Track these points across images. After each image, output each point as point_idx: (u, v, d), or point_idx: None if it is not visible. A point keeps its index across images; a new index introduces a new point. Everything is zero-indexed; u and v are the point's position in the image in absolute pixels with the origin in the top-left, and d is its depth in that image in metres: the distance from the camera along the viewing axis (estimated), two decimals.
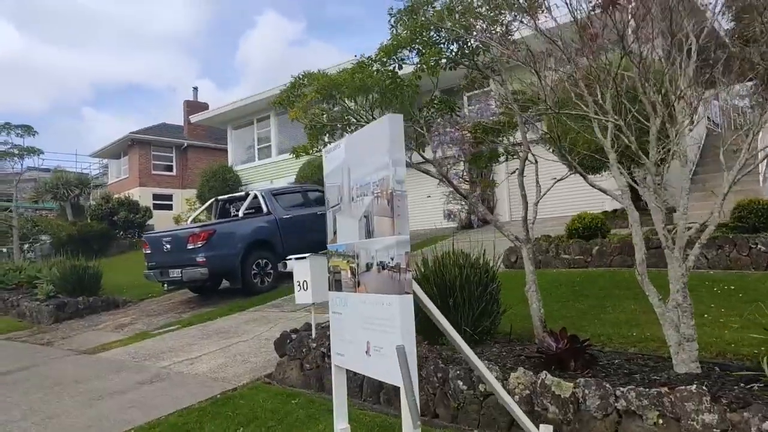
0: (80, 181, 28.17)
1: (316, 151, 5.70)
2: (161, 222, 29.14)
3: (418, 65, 4.63)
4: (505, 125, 5.24)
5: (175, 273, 9.73)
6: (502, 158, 6.04)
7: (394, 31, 5.09)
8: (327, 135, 5.80)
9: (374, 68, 5.11)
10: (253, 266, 9.99)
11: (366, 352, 2.80)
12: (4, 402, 5.35)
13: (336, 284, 3.17)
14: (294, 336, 5.23)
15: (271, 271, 10.29)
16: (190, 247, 9.46)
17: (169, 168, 32.68)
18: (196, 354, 6.37)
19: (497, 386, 3.04)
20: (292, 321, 7.41)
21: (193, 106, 34.03)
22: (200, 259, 9.37)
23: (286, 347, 5.18)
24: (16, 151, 17.27)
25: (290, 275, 11.15)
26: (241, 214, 10.36)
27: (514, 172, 6.25)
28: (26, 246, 19.99)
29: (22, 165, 17.71)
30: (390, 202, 2.61)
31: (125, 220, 26.28)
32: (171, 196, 32.26)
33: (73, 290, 11.55)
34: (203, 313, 9.06)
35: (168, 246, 9.79)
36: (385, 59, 4.92)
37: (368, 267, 2.81)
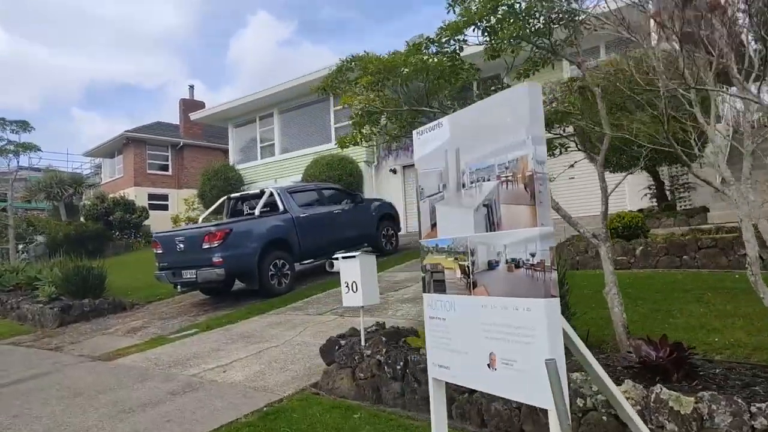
0: (74, 180, 27.43)
1: (363, 141, 5.25)
2: (157, 223, 28.50)
3: (491, 42, 4.20)
4: (569, 113, 4.83)
5: (188, 274, 9.23)
6: (556, 151, 5.63)
7: (452, 11, 4.66)
8: (368, 125, 5.35)
9: (431, 50, 4.69)
10: (270, 267, 9.52)
11: (488, 365, 2.38)
12: (22, 414, 4.86)
13: (436, 285, 2.74)
14: (343, 342, 4.78)
15: (288, 272, 9.83)
16: (205, 246, 8.97)
17: (165, 167, 32.04)
18: (226, 360, 5.91)
19: (624, 403, 2.64)
20: (320, 325, 6.97)
21: (190, 105, 33.43)
22: (216, 259, 8.88)
23: (335, 354, 4.73)
24: (11, 148, 16.60)
25: (310, 275, 10.74)
26: (257, 212, 9.89)
27: (573, 165, 5.88)
28: (21, 246, 19.30)
29: (18, 162, 17.05)
30: (529, 186, 2.20)
31: (121, 220, 25.68)
32: (166, 196, 31.65)
33: (77, 292, 11.01)
34: (220, 317, 8.58)
35: (181, 246, 9.29)
36: (446, 38, 4.49)
37: (491, 265, 2.39)
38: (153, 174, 31.33)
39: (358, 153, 17.40)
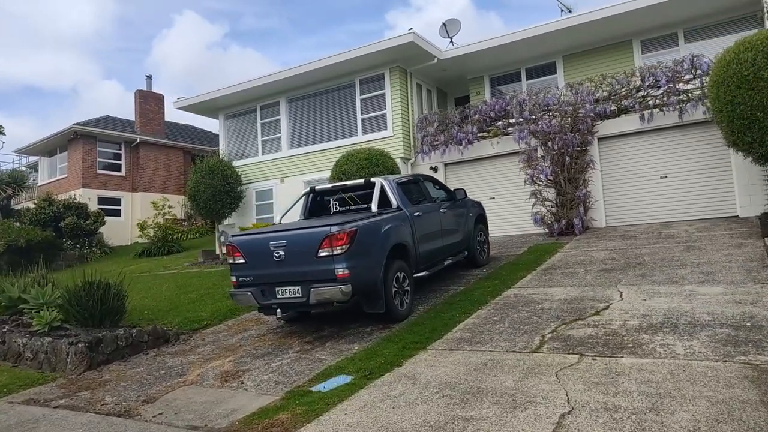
0: (14, 179, 23.19)
1: None
2: (112, 230, 24.81)
3: None
4: None
5: (290, 292, 6.57)
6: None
7: None
8: None
9: None
10: (393, 281, 7.00)
11: None
12: None
13: None
14: None
15: (408, 289, 7.33)
16: (323, 254, 6.34)
17: (117, 167, 28.07)
18: None
19: None
20: (574, 371, 4.64)
21: (147, 96, 29.79)
22: (341, 271, 6.27)
23: None
24: None
25: (430, 291, 8.22)
26: (374, 208, 7.35)
27: None
28: None
29: None
30: None
31: (74, 227, 21.80)
32: (119, 200, 27.78)
33: (90, 318, 7.98)
34: (353, 354, 5.97)
35: (281, 253, 6.57)
36: None
37: None
38: (104, 174, 27.32)
39: (394, 148, 15.05)
